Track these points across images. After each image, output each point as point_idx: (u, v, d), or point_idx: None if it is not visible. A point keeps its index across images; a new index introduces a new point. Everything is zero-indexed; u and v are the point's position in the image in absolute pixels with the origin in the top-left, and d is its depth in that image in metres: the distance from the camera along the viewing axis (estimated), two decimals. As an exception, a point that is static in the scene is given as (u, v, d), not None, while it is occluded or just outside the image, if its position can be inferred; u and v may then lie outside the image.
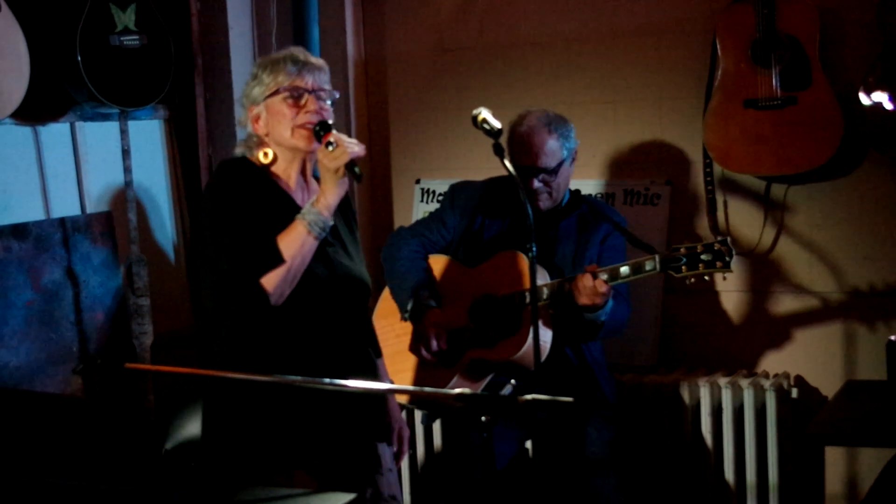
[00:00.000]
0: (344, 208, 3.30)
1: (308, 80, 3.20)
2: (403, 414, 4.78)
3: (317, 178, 3.29)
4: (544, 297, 3.91)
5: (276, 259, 3.04)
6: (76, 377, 4.47)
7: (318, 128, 3.16)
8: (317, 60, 3.26)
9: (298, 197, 3.24)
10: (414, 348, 4.07)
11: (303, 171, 3.27)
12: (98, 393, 4.53)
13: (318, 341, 3.16)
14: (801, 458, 4.38)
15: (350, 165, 3.07)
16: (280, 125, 3.19)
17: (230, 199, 3.12)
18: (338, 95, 3.30)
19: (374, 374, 3.41)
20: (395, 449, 3.51)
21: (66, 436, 3.83)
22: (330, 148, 3.08)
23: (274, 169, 3.24)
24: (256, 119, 3.23)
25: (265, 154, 3.21)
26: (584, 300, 3.82)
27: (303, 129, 3.17)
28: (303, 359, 3.12)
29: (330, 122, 3.17)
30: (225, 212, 3.10)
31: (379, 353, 3.55)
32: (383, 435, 3.43)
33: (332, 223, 3.12)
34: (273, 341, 3.12)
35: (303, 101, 3.18)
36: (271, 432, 3.13)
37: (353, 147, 3.08)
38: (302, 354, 3.13)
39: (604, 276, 3.80)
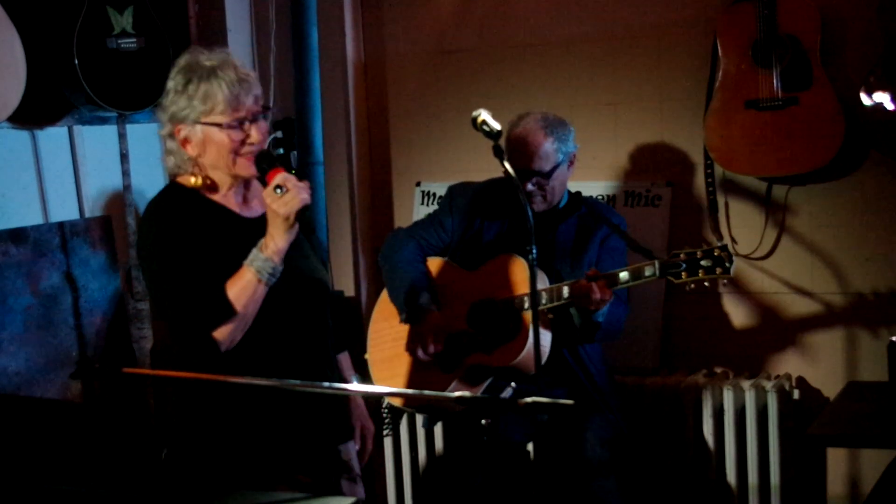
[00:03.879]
0: None
1: (247, 104, 3.01)
2: (404, 418, 4.81)
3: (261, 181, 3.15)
4: (543, 301, 3.90)
5: (228, 312, 2.92)
6: (75, 382, 4.45)
7: (262, 162, 3.01)
8: (248, 74, 3.06)
9: (245, 210, 3.12)
10: (410, 349, 4.05)
11: (244, 185, 3.13)
12: (97, 397, 4.52)
13: (281, 347, 3.08)
14: (802, 459, 4.37)
15: (301, 213, 2.93)
16: (219, 154, 3.02)
17: (169, 240, 2.98)
18: (272, 110, 3.16)
19: (336, 371, 3.32)
20: (358, 446, 3.40)
21: (65, 441, 3.82)
22: (279, 192, 2.91)
23: (208, 190, 3.09)
24: (186, 140, 3.04)
25: (196, 178, 3.06)
26: (583, 305, 3.81)
27: (245, 158, 3.02)
28: (268, 364, 3.02)
29: (271, 151, 3.02)
30: (166, 258, 2.97)
31: (341, 348, 3.44)
32: (349, 434, 3.34)
33: (281, 268, 2.97)
34: (236, 351, 3.00)
35: (246, 133, 3.02)
36: (237, 442, 3.06)
37: (303, 193, 2.93)
38: (267, 361, 3.03)
39: (624, 276, 3.79)
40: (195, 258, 2.97)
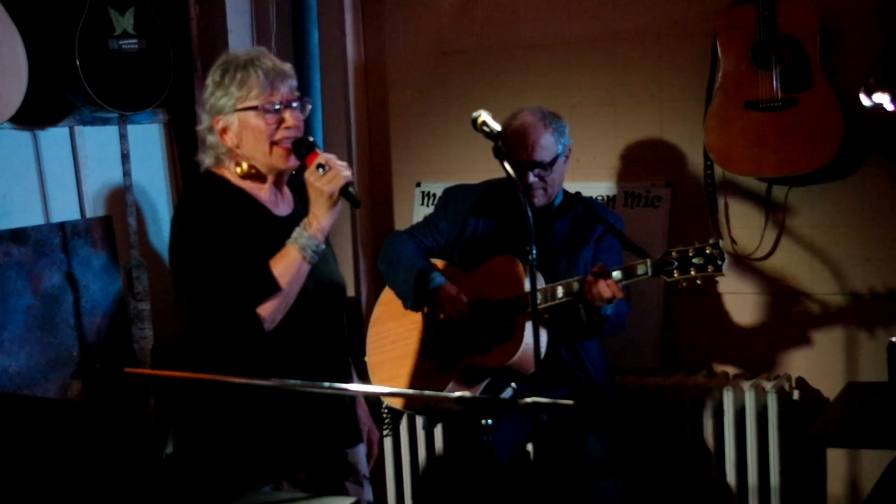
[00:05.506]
0: None
1: (283, 91, 3.07)
2: (404, 419, 4.81)
3: (289, 187, 3.22)
4: (539, 301, 3.89)
5: (273, 288, 2.96)
6: (76, 382, 4.46)
7: (300, 147, 3.05)
8: (285, 66, 3.13)
9: (276, 208, 3.16)
10: (439, 323, 4.06)
11: (276, 183, 3.17)
12: (98, 397, 4.53)
13: (301, 350, 3.11)
14: (802, 460, 4.37)
15: (345, 189, 2.97)
16: (256, 141, 3.06)
17: (208, 223, 3.01)
18: (309, 102, 3.17)
19: (350, 377, 3.36)
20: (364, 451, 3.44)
21: (66, 440, 3.82)
22: (321, 171, 2.97)
23: (246, 182, 3.13)
24: (224, 131, 3.08)
25: (239, 166, 3.09)
26: (596, 301, 3.81)
27: (280, 146, 3.06)
28: (287, 367, 3.05)
29: (308, 137, 3.06)
30: (206, 239, 3.00)
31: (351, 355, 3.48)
32: (358, 438, 3.36)
33: (324, 247, 3.04)
34: (254, 352, 3.04)
35: (281, 117, 3.06)
36: (253, 447, 3.08)
37: (346, 171, 2.98)
38: (286, 363, 3.07)
39: (618, 276, 3.80)
40: (235, 239, 3.01)
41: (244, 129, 3.06)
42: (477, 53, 5.08)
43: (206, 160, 3.17)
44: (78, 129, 4.61)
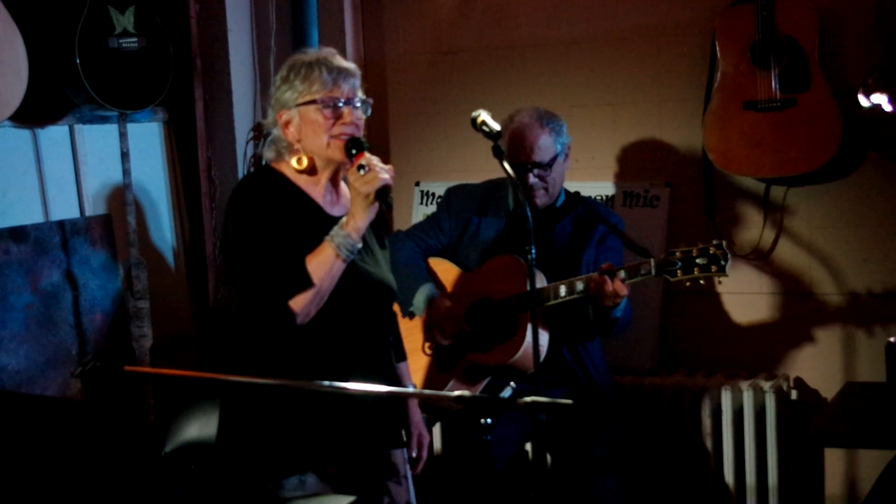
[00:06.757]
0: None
1: (344, 89, 3.14)
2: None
3: (346, 182, 3.27)
4: (563, 295, 3.90)
5: (306, 282, 3.02)
6: (75, 380, 4.46)
7: (350, 146, 3.11)
8: (350, 65, 3.20)
9: (327, 206, 3.21)
10: (429, 336, 4.10)
11: (332, 178, 3.22)
12: (97, 396, 4.53)
13: (344, 347, 3.15)
14: (800, 459, 4.38)
15: (382, 192, 3.04)
16: (314, 135, 3.13)
17: (257, 214, 3.09)
18: (371, 102, 3.23)
19: (395, 379, 3.39)
20: (414, 454, 3.49)
21: (65, 439, 3.83)
22: (361, 172, 3.04)
23: (303, 176, 3.19)
24: (287, 124, 3.16)
25: (299, 160, 3.16)
26: (605, 301, 3.82)
27: (339, 139, 3.12)
28: (328, 364, 3.11)
29: (362, 138, 3.13)
30: (252, 229, 3.07)
31: (403, 357, 3.54)
32: (399, 442, 3.40)
33: (360, 245, 3.08)
34: (299, 347, 3.10)
35: (340, 112, 3.13)
36: (286, 435, 3.12)
37: (384, 174, 3.04)
38: (328, 360, 3.12)
39: (622, 276, 3.81)
40: (280, 233, 3.07)
41: (304, 122, 3.14)
42: (476, 53, 5.09)
43: (268, 154, 3.24)
44: (78, 127, 4.61)
